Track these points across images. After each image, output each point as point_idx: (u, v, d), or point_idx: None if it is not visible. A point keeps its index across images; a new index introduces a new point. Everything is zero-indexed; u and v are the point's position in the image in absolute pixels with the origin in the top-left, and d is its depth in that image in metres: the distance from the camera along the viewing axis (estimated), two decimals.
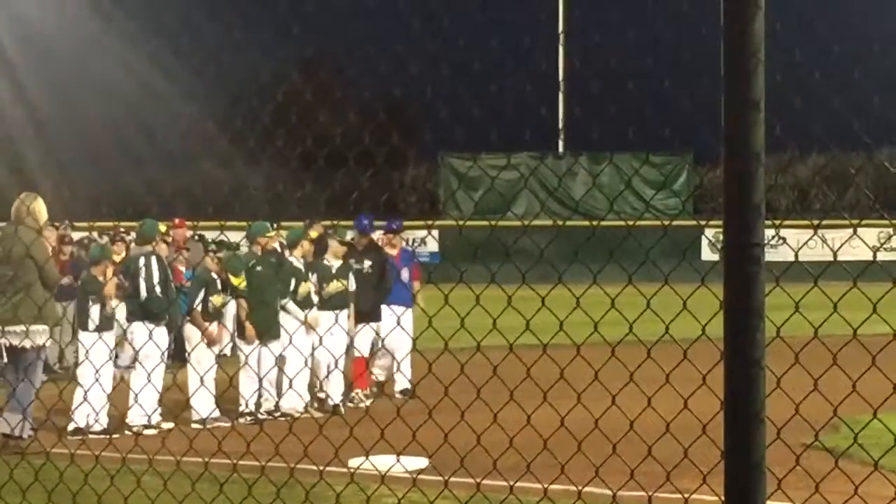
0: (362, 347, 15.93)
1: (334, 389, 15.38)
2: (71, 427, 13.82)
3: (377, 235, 17.06)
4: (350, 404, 15.52)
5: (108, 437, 13.55)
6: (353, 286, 15.88)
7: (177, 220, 20.45)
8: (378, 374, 16.63)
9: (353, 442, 6.23)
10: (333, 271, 15.89)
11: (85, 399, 12.75)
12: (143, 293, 14.53)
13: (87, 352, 13.89)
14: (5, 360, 13.41)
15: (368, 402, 15.63)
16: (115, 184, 33.96)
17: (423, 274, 18.52)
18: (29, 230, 13.00)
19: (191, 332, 15.25)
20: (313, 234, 16.47)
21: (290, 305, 15.58)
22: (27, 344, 12.93)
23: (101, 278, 14.55)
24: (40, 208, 13.27)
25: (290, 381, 14.57)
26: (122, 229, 19.37)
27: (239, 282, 15.26)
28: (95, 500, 7.17)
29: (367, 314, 16.03)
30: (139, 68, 39.19)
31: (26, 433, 12.52)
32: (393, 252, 16.91)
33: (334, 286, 15.76)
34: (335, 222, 17.22)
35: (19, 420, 12.27)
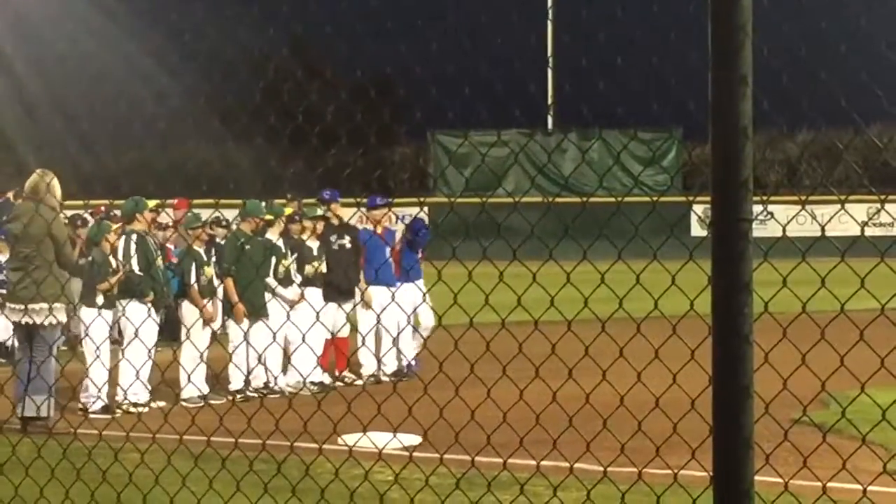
0: (333, 327, 15.78)
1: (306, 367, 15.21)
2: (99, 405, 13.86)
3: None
4: (339, 384, 15.50)
5: (110, 414, 13.58)
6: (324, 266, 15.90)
7: (177, 201, 20.41)
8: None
9: (350, 418, 6.25)
10: (314, 252, 15.87)
11: (87, 376, 12.78)
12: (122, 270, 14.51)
13: (86, 329, 13.87)
14: (16, 342, 13.42)
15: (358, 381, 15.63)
16: (108, 162, 33.89)
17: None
18: (48, 208, 12.84)
19: (186, 311, 15.24)
20: (287, 211, 16.39)
21: (274, 284, 15.53)
22: (51, 321, 12.83)
23: (111, 256, 14.55)
24: (55, 185, 13.12)
25: (289, 358, 14.61)
26: (102, 209, 19.26)
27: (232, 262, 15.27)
28: (98, 475, 7.19)
29: (345, 292, 16.01)
30: (128, 46, 39.07)
31: (52, 412, 12.49)
32: (379, 230, 16.68)
33: (310, 269, 15.74)
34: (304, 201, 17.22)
35: (44, 399, 12.23)
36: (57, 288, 12.82)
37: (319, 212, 16.19)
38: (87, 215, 19.46)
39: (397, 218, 17.96)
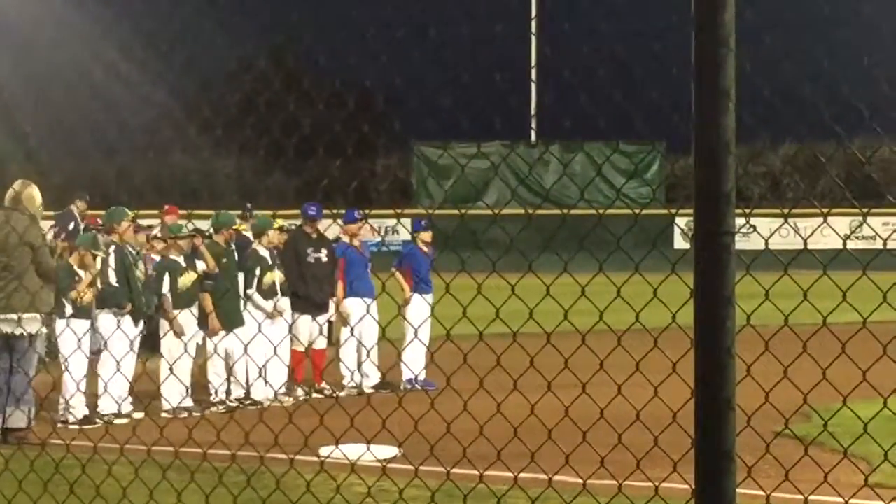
0: (307, 339, 15.87)
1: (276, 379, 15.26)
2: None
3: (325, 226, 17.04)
4: (317, 395, 15.51)
5: (90, 424, 13.56)
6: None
7: (167, 207, 20.37)
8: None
9: (322, 430, 6.23)
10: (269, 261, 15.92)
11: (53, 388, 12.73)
12: (98, 283, 14.51)
13: (57, 339, 13.86)
14: None
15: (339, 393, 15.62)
16: (86, 171, 33.84)
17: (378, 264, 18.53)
18: (22, 217, 12.93)
19: (163, 322, 15.23)
20: (278, 223, 16.50)
21: (256, 296, 15.56)
22: (21, 332, 12.84)
23: (76, 267, 14.50)
24: (34, 195, 13.19)
25: (260, 370, 14.57)
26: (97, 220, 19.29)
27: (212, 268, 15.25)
28: (66, 488, 7.16)
29: (318, 305, 16.07)
30: (107, 55, 38.99)
31: (28, 422, 12.51)
32: (356, 243, 16.84)
33: (270, 276, 15.78)
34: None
35: (13, 410, 12.26)
36: (27, 298, 12.80)
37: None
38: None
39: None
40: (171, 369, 14.22)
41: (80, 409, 14.08)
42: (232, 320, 14.96)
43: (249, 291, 15.51)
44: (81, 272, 14.39)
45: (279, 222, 16.67)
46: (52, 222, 20.57)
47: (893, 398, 4.99)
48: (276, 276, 15.81)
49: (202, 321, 15.38)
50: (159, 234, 17.24)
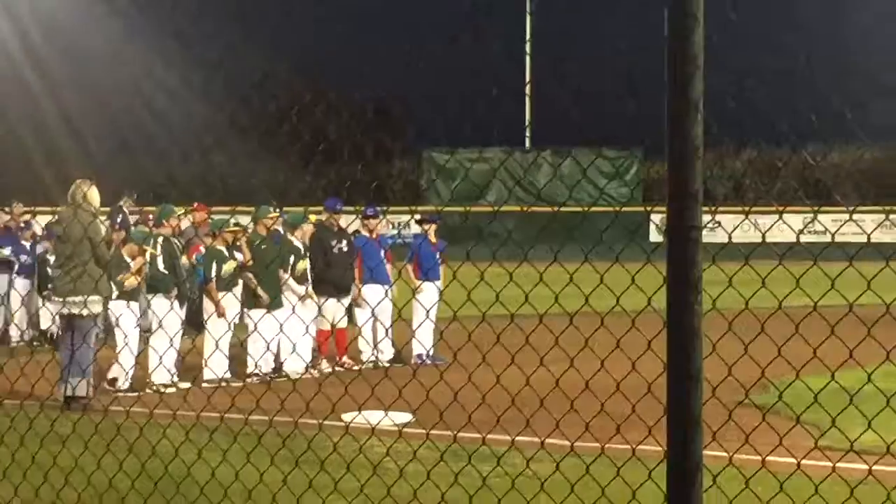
0: (332, 319, 15.83)
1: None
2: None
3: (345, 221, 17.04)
4: (340, 369, 15.52)
5: (135, 393, 13.57)
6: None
7: (196, 204, 20.43)
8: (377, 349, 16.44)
9: (347, 399, 6.23)
10: (302, 251, 15.93)
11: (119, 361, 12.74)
12: (148, 270, 14.59)
13: (116, 319, 13.89)
14: (59, 331, 13.45)
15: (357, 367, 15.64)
16: (139, 172, 33.83)
17: (396, 256, 18.52)
18: (85, 213, 12.96)
19: (207, 303, 15.26)
20: (312, 218, 16.52)
21: (290, 281, 15.58)
22: (84, 313, 12.92)
23: (127, 256, 14.55)
24: (94, 194, 13.23)
25: (293, 345, 14.58)
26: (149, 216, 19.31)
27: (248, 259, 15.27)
28: (126, 448, 7.18)
29: (342, 289, 16.02)
30: (159, 73, 39.02)
31: (89, 392, 12.53)
32: (374, 236, 16.90)
33: (302, 264, 15.80)
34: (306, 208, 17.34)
35: (79, 381, 12.30)
36: (91, 283, 12.87)
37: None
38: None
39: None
40: (216, 345, 14.25)
41: (132, 379, 14.10)
42: (271, 301, 15.00)
43: (284, 276, 15.53)
44: (131, 261, 14.47)
45: (313, 217, 16.69)
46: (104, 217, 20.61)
47: (840, 372, 4.97)
48: (308, 264, 15.83)
49: (245, 301, 15.42)
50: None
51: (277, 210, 16.70)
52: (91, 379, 12.81)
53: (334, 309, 15.76)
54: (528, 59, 51.74)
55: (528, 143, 51.41)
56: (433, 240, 17.07)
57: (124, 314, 13.77)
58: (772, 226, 4.75)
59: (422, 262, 16.54)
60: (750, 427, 4.91)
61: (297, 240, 15.98)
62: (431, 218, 17.99)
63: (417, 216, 18.54)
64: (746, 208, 40.68)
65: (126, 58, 40.07)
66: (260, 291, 15.13)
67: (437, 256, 16.76)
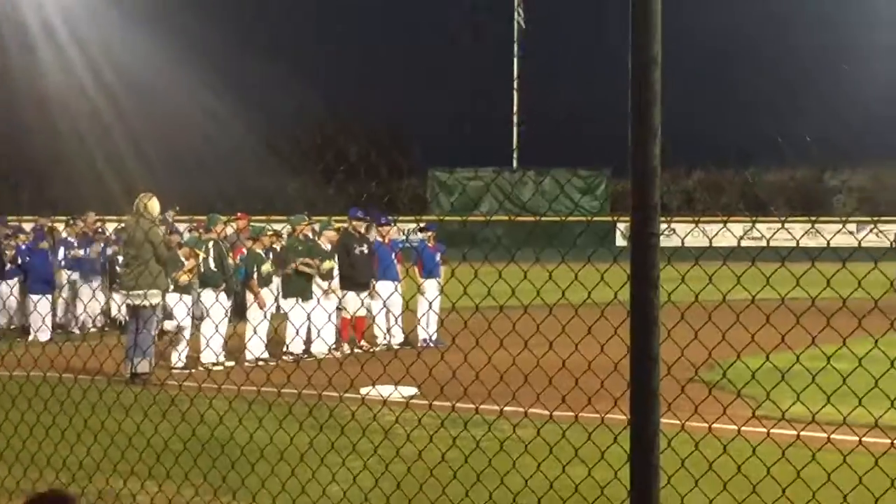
0: (353, 309, 15.78)
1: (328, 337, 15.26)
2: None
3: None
4: (358, 350, 15.51)
5: (189, 370, 13.56)
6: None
7: (239, 214, 20.45)
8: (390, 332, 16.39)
9: (363, 376, 6.23)
10: (328, 252, 15.93)
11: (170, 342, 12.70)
12: (202, 269, 14.63)
13: (171, 309, 13.89)
14: (125, 318, 13.50)
15: (373, 349, 15.62)
16: (192, 186, 33.83)
17: (405, 258, 18.56)
18: (146, 221, 13.04)
19: (248, 295, 15.26)
20: (336, 225, 16.53)
21: (317, 278, 15.56)
22: (145, 304, 12.99)
23: (183, 257, 14.58)
24: (154, 205, 13.30)
25: (318, 331, 14.55)
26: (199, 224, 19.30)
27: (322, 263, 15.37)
28: (179, 416, 7.17)
29: (362, 285, 15.99)
30: (211, 104, 39.05)
31: (150, 369, 12.56)
32: (386, 241, 16.90)
33: (328, 264, 15.79)
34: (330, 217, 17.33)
35: (141, 360, 12.36)
36: (151, 279, 12.92)
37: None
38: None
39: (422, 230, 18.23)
40: (254, 330, 14.24)
41: (185, 359, 14.10)
42: (303, 293, 15.04)
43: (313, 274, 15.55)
44: (185, 261, 14.52)
45: (336, 224, 16.70)
46: None
47: (774, 354, 4.96)
48: (333, 264, 15.80)
49: (286, 293, 15.45)
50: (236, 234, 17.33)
51: (309, 218, 16.72)
52: (151, 358, 12.82)
53: (354, 301, 15.78)
54: (515, 95, 51.63)
55: (514, 164, 51.42)
56: (430, 244, 17.11)
57: (178, 305, 13.78)
58: (717, 233, 4.74)
59: (424, 264, 16.58)
60: (699, 399, 4.90)
61: (325, 243, 15.99)
62: (430, 227, 18.19)
63: (423, 224, 18.62)
64: (696, 218, 40.61)
65: (184, 93, 40.16)
66: (318, 279, 15.27)
67: (437, 258, 16.79)
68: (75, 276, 19.03)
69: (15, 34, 41.18)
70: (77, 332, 18.15)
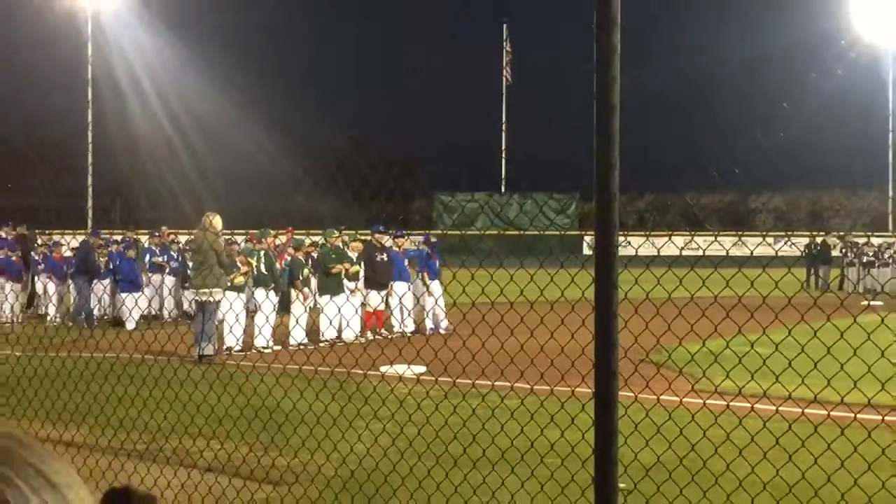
0: (375, 304, 15.78)
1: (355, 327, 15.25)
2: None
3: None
4: (378, 337, 15.50)
5: (244, 353, 13.56)
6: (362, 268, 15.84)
7: (290, 228, 20.60)
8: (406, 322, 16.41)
9: (383, 357, 6.24)
10: (355, 259, 15.95)
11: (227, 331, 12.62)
12: (255, 272, 14.66)
13: (231, 304, 13.89)
14: (194, 311, 13.50)
15: (389, 336, 15.59)
16: (242, 205, 33.86)
17: (414, 264, 18.55)
18: (210, 233, 13.11)
19: (293, 293, 15.26)
20: (360, 238, 16.52)
21: (344, 280, 15.55)
22: (210, 299, 13.04)
23: (239, 263, 14.59)
24: (217, 221, 13.34)
25: (347, 322, 14.55)
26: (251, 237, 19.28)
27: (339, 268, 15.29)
28: (237, 389, 7.17)
29: (382, 285, 16.02)
30: (263, 138, 39.09)
31: (213, 351, 12.62)
32: (399, 250, 16.93)
33: (355, 269, 15.80)
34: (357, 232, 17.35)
35: (207, 344, 12.43)
36: (213, 280, 12.96)
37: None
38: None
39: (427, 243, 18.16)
40: (297, 321, 14.23)
41: (241, 343, 14.09)
42: (335, 291, 15.08)
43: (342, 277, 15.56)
44: (241, 266, 14.54)
45: (361, 237, 16.71)
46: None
47: (709, 341, 4.96)
48: (358, 268, 15.80)
49: (321, 291, 15.44)
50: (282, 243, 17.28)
51: (339, 232, 16.73)
52: (214, 343, 12.82)
53: (376, 297, 15.80)
54: (503, 135, 51.56)
55: (503, 189, 51.46)
56: (429, 251, 17.26)
57: (235, 301, 13.76)
58: (663, 244, 4.75)
59: (429, 270, 16.69)
60: (649, 377, 4.91)
61: (352, 251, 15.99)
62: (426, 239, 18.31)
63: (432, 238, 18.62)
64: (647, 233, 40.65)
65: (240, 130, 40.26)
66: (346, 280, 15.28)
67: (437, 265, 16.94)
68: (156, 277, 19.06)
69: (111, 88, 41.68)
70: (159, 321, 18.15)
